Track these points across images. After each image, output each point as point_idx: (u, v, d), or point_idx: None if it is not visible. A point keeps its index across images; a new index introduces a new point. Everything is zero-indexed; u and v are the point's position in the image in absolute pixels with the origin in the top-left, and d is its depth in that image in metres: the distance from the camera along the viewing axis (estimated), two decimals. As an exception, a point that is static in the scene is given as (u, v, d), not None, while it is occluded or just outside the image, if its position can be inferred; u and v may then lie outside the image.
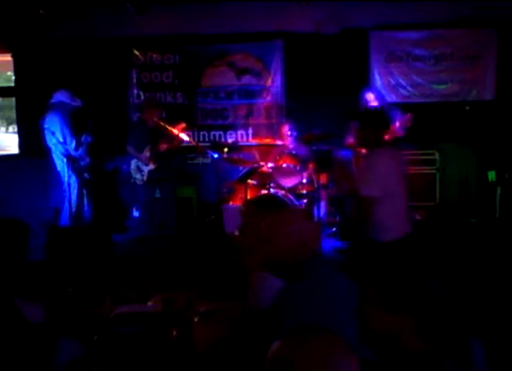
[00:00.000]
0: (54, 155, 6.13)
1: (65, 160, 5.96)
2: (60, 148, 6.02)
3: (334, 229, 6.29)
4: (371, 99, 5.72)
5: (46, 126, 6.02)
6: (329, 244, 5.67)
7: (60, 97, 6.17)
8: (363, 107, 5.79)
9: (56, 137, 5.96)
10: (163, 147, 6.22)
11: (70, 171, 6.02)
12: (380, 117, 4.12)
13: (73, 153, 6.08)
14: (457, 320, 1.61)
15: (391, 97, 7.05)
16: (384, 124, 3.97)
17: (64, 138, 6.07)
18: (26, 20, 6.74)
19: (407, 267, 1.77)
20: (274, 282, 2.15)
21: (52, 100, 6.18)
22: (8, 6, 6.55)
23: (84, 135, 6.11)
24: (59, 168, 6.13)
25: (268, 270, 2.15)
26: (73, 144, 6.14)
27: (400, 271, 1.72)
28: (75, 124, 6.21)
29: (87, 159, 6.21)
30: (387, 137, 5.60)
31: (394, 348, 1.57)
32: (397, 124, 5.54)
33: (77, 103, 6.23)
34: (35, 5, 6.18)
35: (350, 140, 5.91)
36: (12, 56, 7.38)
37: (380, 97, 5.87)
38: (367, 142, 3.86)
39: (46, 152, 6.28)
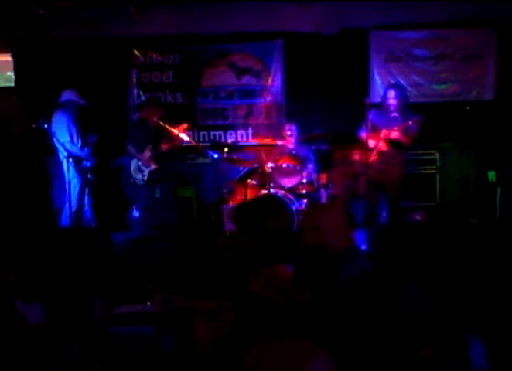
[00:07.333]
0: (60, 155, 6.08)
1: (70, 160, 5.81)
2: (63, 148, 5.96)
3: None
4: (392, 96, 5.70)
5: (46, 126, 5.96)
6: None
7: (69, 95, 6.14)
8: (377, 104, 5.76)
9: (57, 137, 5.91)
10: (164, 147, 6.19)
11: (74, 171, 5.98)
12: None
13: (78, 153, 6.04)
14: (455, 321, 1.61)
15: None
16: None
17: (71, 137, 6.04)
18: (26, 20, 6.74)
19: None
20: None
21: (61, 99, 6.15)
22: (9, 6, 6.55)
23: (90, 135, 6.09)
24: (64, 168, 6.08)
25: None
26: (80, 143, 6.12)
27: None
28: (81, 124, 6.19)
29: (92, 159, 6.17)
30: (397, 134, 5.63)
31: None
32: (410, 122, 5.60)
33: (84, 102, 6.22)
34: (35, 5, 6.17)
35: (363, 134, 5.85)
36: (12, 56, 7.37)
37: (400, 95, 5.82)
38: None
39: (46, 152, 6.25)
